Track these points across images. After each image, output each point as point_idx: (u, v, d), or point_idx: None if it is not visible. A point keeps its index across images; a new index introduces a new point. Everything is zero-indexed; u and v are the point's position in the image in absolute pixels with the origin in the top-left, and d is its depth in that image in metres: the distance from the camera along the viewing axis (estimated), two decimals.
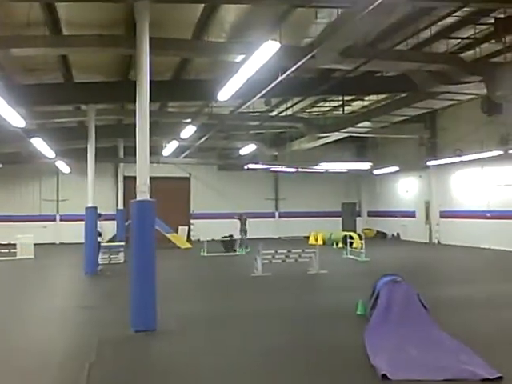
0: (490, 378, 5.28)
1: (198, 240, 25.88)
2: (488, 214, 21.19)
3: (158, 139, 21.09)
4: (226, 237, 21.67)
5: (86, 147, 16.16)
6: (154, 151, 21.20)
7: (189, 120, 17.64)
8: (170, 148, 22.06)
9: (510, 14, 10.42)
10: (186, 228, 27.66)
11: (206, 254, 19.55)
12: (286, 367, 6.06)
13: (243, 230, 21.56)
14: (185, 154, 24.66)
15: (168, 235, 23.07)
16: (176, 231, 25.69)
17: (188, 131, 17.65)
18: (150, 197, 8.22)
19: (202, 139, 20.95)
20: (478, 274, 14.13)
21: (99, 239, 15.89)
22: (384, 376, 5.40)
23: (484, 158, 19.69)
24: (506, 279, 12.84)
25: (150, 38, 8.58)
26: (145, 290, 7.80)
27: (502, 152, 18.39)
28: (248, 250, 20.09)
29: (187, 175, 29.05)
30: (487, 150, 18.85)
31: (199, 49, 11.03)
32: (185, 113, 19.02)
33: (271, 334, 7.68)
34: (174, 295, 10.91)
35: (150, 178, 8.37)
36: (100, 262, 15.89)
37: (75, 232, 22.36)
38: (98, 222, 15.72)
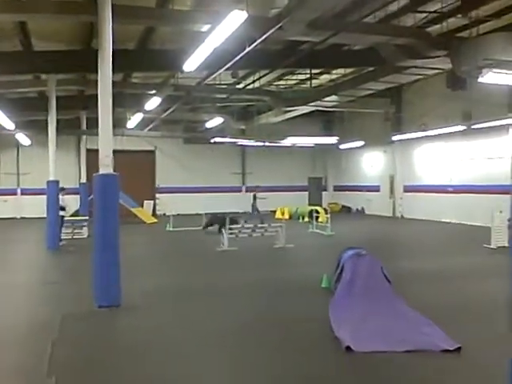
0: (451, 349, 5.42)
1: (164, 214, 25.65)
2: (450, 189, 21.67)
3: (122, 111, 20.58)
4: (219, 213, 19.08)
5: (47, 119, 15.65)
6: (118, 124, 20.71)
7: (154, 91, 17.24)
8: (134, 120, 21.61)
9: None
10: (152, 202, 27.36)
11: (171, 229, 19.40)
12: (252, 341, 6.08)
13: (253, 205, 21.56)
14: (150, 126, 24.22)
15: (133, 210, 22.77)
16: (141, 206, 25.39)
17: (153, 103, 17.29)
18: (114, 170, 8.01)
19: (168, 111, 20.58)
20: (439, 248, 14.47)
21: (63, 213, 15.54)
22: (348, 348, 5.48)
23: (448, 133, 20.03)
24: (464, 252, 13.19)
25: (113, 5, 8.24)
26: (108, 264, 7.66)
27: (465, 127, 18.72)
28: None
29: (152, 148, 28.57)
30: (451, 125, 19.16)
31: (164, 17, 10.70)
32: (149, 84, 18.57)
33: (237, 308, 7.69)
34: (140, 270, 10.78)
35: (114, 151, 8.16)
36: (63, 237, 15.56)
37: (37, 206, 21.85)
38: (61, 196, 15.35)
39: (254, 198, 21.81)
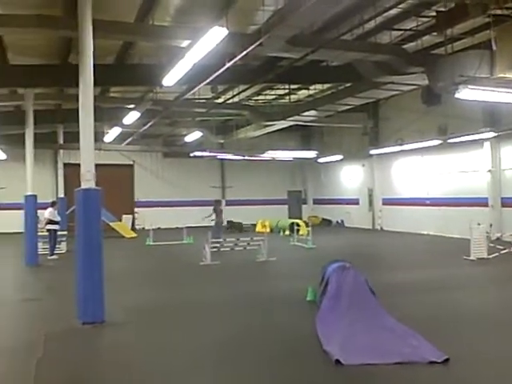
0: (438, 361, 5.46)
1: (143, 229, 25.43)
2: (428, 202, 22.01)
3: (100, 125, 20.42)
4: None
5: (24, 133, 15.46)
6: (96, 138, 20.46)
7: (132, 106, 17.20)
8: (112, 134, 21.49)
9: (451, 8, 10.73)
10: (131, 217, 27.12)
11: (151, 243, 19.23)
12: (237, 356, 6.04)
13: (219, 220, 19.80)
14: (128, 140, 24.09)
15: (112, 224, 22.53)
16: (120, 220, 25.14)
17: (131, 117, 17.24)
18: (96, 185, 7.95)
19: (146, 125, 20.53)
20: (420, 260, 14.64)
21: (56, 227, 15.41)
22: (337, 361, 5.49)
23: (424, 147, 20.40)
24: (445, 264, 13.36)
25: (93, 20, 8.23)
26: (92, 280, 7.56)
27: (440, 141, 19.09)
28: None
29: (131, 162, 28.41)
30: (427, 140, 19.53)
31: (144, 32, 10.74)
32: (128, 98, 18.54)
33: (223, 323, 7.64)
34: (122, 285, 10.65)
35: None
36: (40, 252, 15.26)
37: (13, 221, 21.48)
38: (53, 210, 15.53)
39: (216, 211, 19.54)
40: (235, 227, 25.44)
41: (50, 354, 6.20)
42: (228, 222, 24.90)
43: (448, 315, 7.82)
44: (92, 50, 8.16)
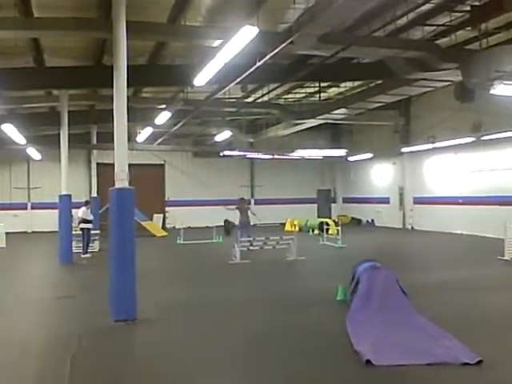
0: (471, 362, 5.37)
1: (174, 227, 25.71)
2: (460, 200, 21.59)
3: (132, 125, 20.74)
4: None
5: (58, 133, 15.81)
6: (129, 138, 20.81)
7: (164, 106, 17.39)
8: (144, 134, 21.76)
9: (485, 2, 10.49)
10: (161, 216, 27.44)
11: (182, 242, 19.42)
12: (267, 354, 6.04)
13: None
14: (159, 140, 24.37)
15: (143, 223, 22.83)
16: (151, 219, 25.46)
17: (163, 117, 17.42)
18: (129, 184, 8.08)
19: (177, 125, 20.72)
20: (453, 259, 14.39)
21: (89, 226, 15.73)
22: (368, 361, 5.45)
23: (457, 145, 20.01)
24: (479, 264, 13.10)
25: (127, 22, 8.36)
26: (125, 278, 7.68)
27: (474, 139, 18.70)
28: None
29: (162, 162, 28.75)
30: (460, 137, 19.15)
31: (176, 33, 10.85)
32: (159, 98, 18.75)
33: (254, 321, 7.66)
34: (153, 283, 10.79)
35: None
36: (74, 251, 15.59)
37: (48, 220, 22.00)
38: (86, 209, 15.77)
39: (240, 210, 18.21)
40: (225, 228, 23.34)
41: (84, 350, 6.34)
42: (225, 221, 23.76)
43: (481, 316, 7.69)
44: (126, 51, 8.29)
